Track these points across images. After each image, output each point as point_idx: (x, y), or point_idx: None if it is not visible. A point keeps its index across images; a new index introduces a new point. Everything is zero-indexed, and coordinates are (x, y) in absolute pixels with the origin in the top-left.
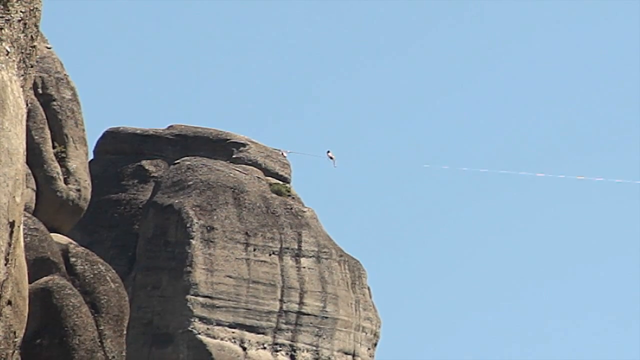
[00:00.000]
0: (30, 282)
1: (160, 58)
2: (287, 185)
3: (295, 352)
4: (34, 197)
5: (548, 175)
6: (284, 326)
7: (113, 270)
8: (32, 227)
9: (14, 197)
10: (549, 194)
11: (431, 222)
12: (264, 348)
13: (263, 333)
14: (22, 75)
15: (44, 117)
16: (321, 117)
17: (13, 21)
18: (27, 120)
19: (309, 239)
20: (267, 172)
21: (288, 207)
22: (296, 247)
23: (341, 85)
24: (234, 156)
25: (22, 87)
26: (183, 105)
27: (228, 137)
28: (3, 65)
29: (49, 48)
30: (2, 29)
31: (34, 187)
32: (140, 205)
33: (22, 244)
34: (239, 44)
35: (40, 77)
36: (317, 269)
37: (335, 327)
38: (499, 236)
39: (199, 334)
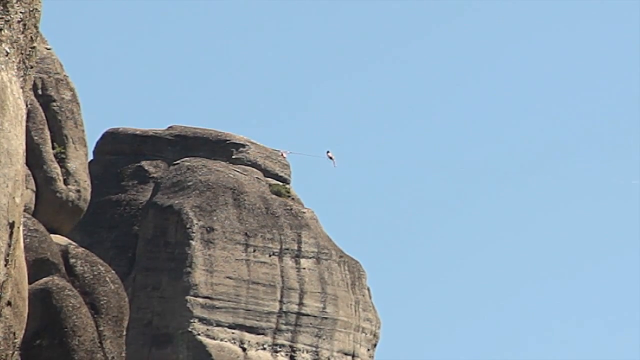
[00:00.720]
0: (30, 283)
1: (160, 59)
2: (287, 186)
3: (295, 352)
4: (34, 198)
5: (549, 176)
6: (283, 327)
7: (113, 271)
8: (31, 228)
9: (13, 197)
10: (549, 195)
11: (431, 222)
12: (264, 349)
13: (263, 334)
14: (22, 76)
15: (44, 117)
16: (321, 117)
17: (13, 22)
18: (26, 121)
19: (309, 239)
20: (267, 173)
21: (288, 208)
22: (296, 248)
23: (341, 85)
24: (233, 157)
25: (21, 88)
26: (183, 106)
27: (228, 138)
28: (3, 66)
29: (49, 49)
30: (1, 29)
31: (34, 188)
32: (140, 206)
33: (21, 244)
34: (239, 45)
35: (40, 78)
36: (317, 270)
37: (335, 328)
38: (499, 237)
39: (199, 334)
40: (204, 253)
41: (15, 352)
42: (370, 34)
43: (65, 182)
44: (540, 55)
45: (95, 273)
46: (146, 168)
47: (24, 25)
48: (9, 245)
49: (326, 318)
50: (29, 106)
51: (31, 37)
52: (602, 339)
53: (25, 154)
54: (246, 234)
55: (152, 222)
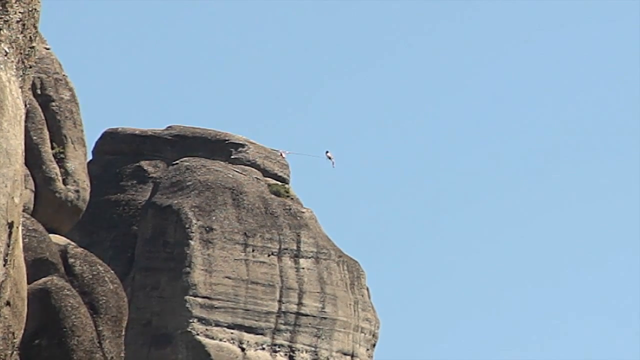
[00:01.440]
0: (29, 283)
1: (159, 59)
2: (286, 185)
3: (294, 352)
4: (33, 198)
5: (549, 176)
6: (282, 327)
7: (112, 271)
8: (30, 227)
9: (12, 197)
10: (549, 195)
11: (430, 222)
12: (263, 349)
13: (262, 334)
14: (21, 76)
15: (43, 117)
16: (320, 117)
17: (12, 22)
18: (25, 121)
19: (308, 239)
20: (266, 173)
21: (287, 207)
22: (295, 247)
23: (340, 85)
24: (232, 157)
25: (20, 87)
26: (182, 106)
27: (227, 138)
28: (2, 66)
29: (48, 49)
30: (0, 29)
31: (33, 188)
32: (139, 206)
33: (20, 244)
34: (238, 45)
35: (39, 77)
36: (316, 270)
37: (334, 328)
38: (498, 237)
39: (198, 334)
40: (203, 253)
41: (14, 352)
42: (370, 35)
43: (64, 182)
44: (540, 56)
45: (94, 273)
46: (145, 168)
47: (23, 25)
48: (8, 245)
49: (325, 318)
50: (27, 106)
51: (30, 37)
52: (602, 340)
53: (24, 154)
54: (245, 233)
55: (151, 222)
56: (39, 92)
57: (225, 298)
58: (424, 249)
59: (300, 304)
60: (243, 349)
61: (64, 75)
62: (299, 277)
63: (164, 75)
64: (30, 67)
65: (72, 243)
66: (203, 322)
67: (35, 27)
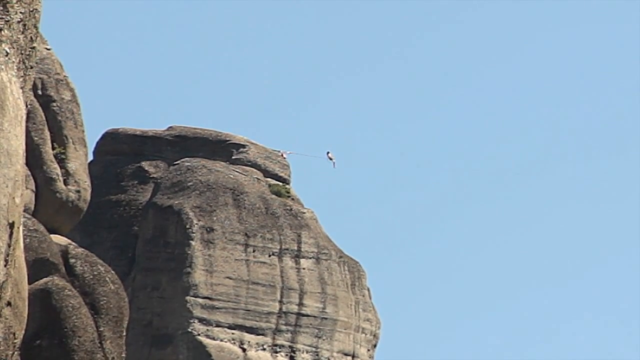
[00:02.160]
0: (29, 283)
1: (160, 59)
2: (287, 186)
3: (294, 353)
4: (34, 198)
5: (550, 177)
6: (283, 327)
7: (113, 271)
8: (31, 228)
9: (13, 198)
10: (549, 195)
11: (431, 223)
12: (264, 349)
13: (262, 334)
14: (22, 76)
15: (44, 118)
16: (321, 118)
17: (12, 22)
18: (26, 122)
19: (309, 240)
20: (267, 173)
21: (288, 208)
22: (296, 248)
23: (341, 86)
24: (233, 157)
25: (21, 88)
26: (183, 106)
27: (227, 138)
28: (2, 67)
29: (49, 49)
30: (1, 30)
31: (34, 188)
32: (139, 206)
33: (21, 245)
34: (239, 45)
35: (39, 78)
36: (317, 270)
37: (334, 328)
38: (499, 237)
39: (199, 335)
40: (203, 253)
41: (15, 353)
42: (370, 35)
43: (65, 183)
44: (540, 56)
45: (95, 273)
46: (146, 168)
47: (24, 25)
48: (9, 246)
49: (326, 318)
50: (28, 106)
51: (31, 38)
52: (602, 340)
53: (25, 154)
54: (246, 234)
55: (152, 223)
56: (40, 92)
57: (226, 298)
58: (425, 250)
59: (301, 304)
60: (244, 350)
61: (65, 75)
62: (300, 278)
63: (164, 76)
64: (31, 68)
65: (73, 243)
66: (204, 322)
67: (36, 28)
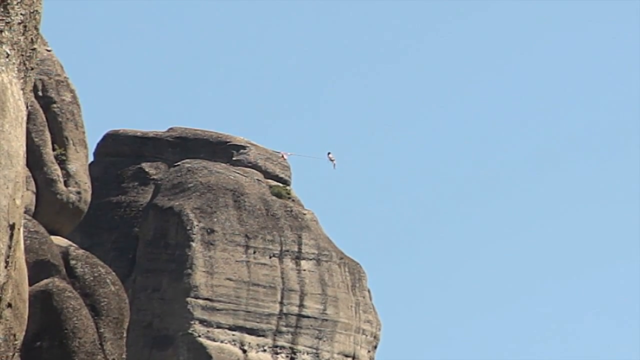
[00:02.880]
0: (30, 285)
1: (161, 60)
2: (287, 187)
3: (295, 354)
4: (34, 200)
5: (550, 178)
6: (284, 329)
7: (113, 273)
8: (32, 229)
9: (14, 199)
10: (550, 195)
11: (431, 224)
12: (264, 350)
13: (263, 335)
14: (22, 77)
15: (44, 119)
16: (321, 119)
17: (13, 24)
18: (27, 123)
19: (309, 241)
20: (267, 175)
21: (288, 209)
22: (296, 249)
23: (341, 87)
24: (234, 158)
25: (22, 89)
26: (183, 108)
27: (228, 140)
28: (3, 68)
29: (49, 51)
30: (2, 31)
31: (34, 190)
32: (140, 208)
33: (22, 246)
34: (239, 46)
35: (40, 79)
36: (317, 272)
37: (335, 330)
38: (499, 238)
39: (199, 336)
40: (204, 255)
41: (16, 354)
42: (370, 36)
43: (66, 184)
44: (540, 57)
45: (96, 275)
46: (146, 170)
47: (25, 26)
48: (10, 247)
49: (326, 320)
50: (29, 108)
51: (32, 39)
52: (602, 340)
53: (25, 155)
54: (246, 235)
55: (153, 224)
56: (40, 94)
57: (226, 300)
58: (426, 251)
59: (301, 305)
60: (244, 351)
61: (65, 77)
62: (300, 279)
63: (165, 77)
64: (32, 69)
65: (74, 245)
66: (204, 323)
67: (37, 29)
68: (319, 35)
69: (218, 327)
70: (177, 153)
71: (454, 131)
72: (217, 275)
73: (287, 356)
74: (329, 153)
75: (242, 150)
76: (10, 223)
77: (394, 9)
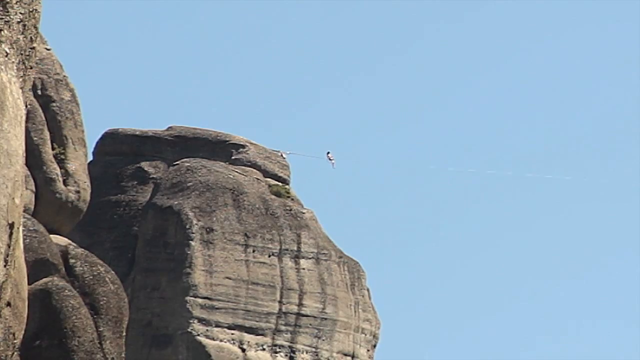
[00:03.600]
0: (29, 284)
1: (160, 59)
2: (287, 186)
3: (294, 353)
4: (33, 199)
5: (552, 177)
6: (283, 327)
7: (112, 272)
8: (31, 228)
9: (13, 198)
10: (550, 195)
11: (431, 223)
12: (263, 349)
13: (262, 334)
14: (22, 76)
15: (43, 118)
16: (321, 118)
17: (12, 23)
18: (26, 122)
19: (308, 240)
20: (267, 174)
21: (287, 208)
22: (295, 248)
23: (341, 86)
24: (233, 157)
25: (21, 88)
26: (182, 107)
27: (227, 139)
28: (2, 67)
29: (48, 49)
30: (1, 30)
31: (33, 189)
32: (139, 207)
33: (21, 245)
34: (239, 46)
35: (39, 78)
36: (317, 271)
37: (334, 329)
38: (498, 238)
39: (198, 335)
40: (203, 254)
41: (15, 353)
42: (370, 36)
43: (65, 183)
44: (539, 57)
45: (95, 273)
46: (146, 169)
47: (24, 25)
48: (9, 246)
49: (326, 319)
50: (28, 107)
51: (31, 38)
52: (603, 340)
53: (24, 154)
54: (246, 234)
55: (152, 223)
56: (39, 92)
57: (225, 299)
58: (425, 250)
59: (300, 304)
60: (243, 350)
61: (64, 76)
62: (300, 278)
63: (164, 76)
64: (31, 68)
65: (73, 244)
66: (203, 322)
67: (36, 28)
68: (318, 35)
69: (217, 326)
70: (176, 152)
71: (454, 131)
72: (216, 274)
73: (286, 355)
74: (328, 152)
75: (241, 149)
76: (10, 222)
77: (394, 9)
